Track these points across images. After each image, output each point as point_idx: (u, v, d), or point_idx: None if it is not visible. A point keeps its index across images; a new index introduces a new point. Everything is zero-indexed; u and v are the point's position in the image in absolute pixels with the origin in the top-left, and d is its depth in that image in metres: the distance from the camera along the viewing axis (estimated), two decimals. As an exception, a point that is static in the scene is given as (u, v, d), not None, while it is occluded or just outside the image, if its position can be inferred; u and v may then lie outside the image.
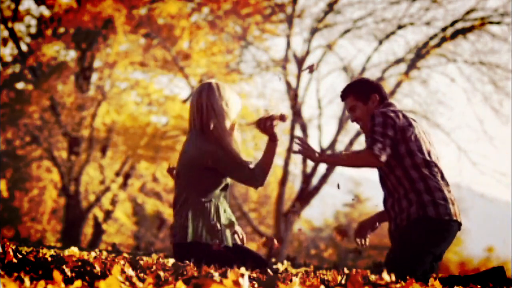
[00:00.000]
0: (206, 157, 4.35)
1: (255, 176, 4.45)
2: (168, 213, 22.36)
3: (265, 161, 4.50)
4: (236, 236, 4.46)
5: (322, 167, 19.27)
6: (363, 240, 4.73)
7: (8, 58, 19.44)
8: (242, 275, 2.43)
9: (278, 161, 20.62)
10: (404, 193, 4.51)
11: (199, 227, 4.35)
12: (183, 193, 4.40)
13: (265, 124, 4.43)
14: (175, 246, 4.33)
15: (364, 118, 4.59)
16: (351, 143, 18.92)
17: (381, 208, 4.67)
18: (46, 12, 18.80)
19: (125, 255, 5.06)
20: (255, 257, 4.45)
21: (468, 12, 18.39)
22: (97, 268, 3.04)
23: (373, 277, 3.73)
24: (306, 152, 4.47)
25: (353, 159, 4.47)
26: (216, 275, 2.89)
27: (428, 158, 4.53)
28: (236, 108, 4.59)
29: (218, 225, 4.38)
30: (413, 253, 4.43)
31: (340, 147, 19.07)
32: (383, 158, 4.39)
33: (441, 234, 4.49)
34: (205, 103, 4.45)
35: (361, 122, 4.62)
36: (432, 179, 4.51)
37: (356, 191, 36.04)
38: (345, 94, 4.70)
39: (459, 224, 4.57)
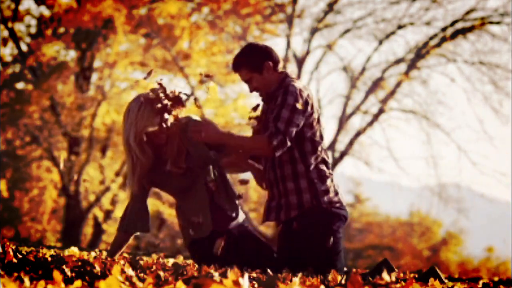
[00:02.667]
0: None
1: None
2: (168, 213, 22.36)
3: None
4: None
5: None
6: None
7: (8, 58, 19.43)
8: (242, 275, 2.43)
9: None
10: (294, 176, 4.37)
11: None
12: None
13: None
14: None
15: (263, 88, 4.43)
16: (351, 143, 18.93)
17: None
18: (46, 12, 18.81)
19: (125, 255, 5.06)
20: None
21: (468, 12, 18.39)
22: (97, 268, 3.04)
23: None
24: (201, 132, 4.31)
25: (249, 144, 4.32)
26: (216, 275, 2.89)
27: (323, 144, 4.44)
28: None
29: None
30: (326, 248, 4.34)
31: (340, 147, 19.08)
32: (278, 153, 4.23)
33: (336, 223, 4.42)
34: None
35: (260, 91, 4.47)
36: (324, 166, 4.40)
37: (356, 191, 36.05)
38: (238, 67, 4.46)
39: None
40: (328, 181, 4.41)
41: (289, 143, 4.23)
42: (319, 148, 4.39)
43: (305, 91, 4.34)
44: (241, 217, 4.58)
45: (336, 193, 4.44)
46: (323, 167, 4.40)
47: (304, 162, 4.36)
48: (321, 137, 4.43)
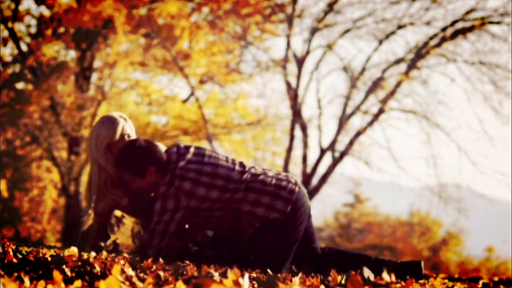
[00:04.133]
0: None
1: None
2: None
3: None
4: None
5: (322, 168, 19.28)
6: None
7: (8, 58, 19.43)
8: (242, 275, 2.43)
9: (278, 161, 20.63)
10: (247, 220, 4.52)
11: None
12: None
13: None
14: None
15: (145, 190, 4.46)
16: (351, 143, 18.93)
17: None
18: (46, 12, 18.81)
19: (125, 255, 5.06)
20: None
21: (468, 12, 18.38)
22: (97, 268, 3.04)
23: (373, 277, 3.73)
24: None
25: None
26: (216, 275, 2.89)
27: (238, 176, 4.47)
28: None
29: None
30: (278, 254, 4.46)
31: (340, 146, 19.08)
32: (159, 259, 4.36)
33: (293, 225, 4.49)
34: None
35: (142, 193, 4.48)
36: (249, 191, 4.46)
37: (356, 191, 36.06)
38: (120, 169, 4.47)
39: (303, 194, 4.55)
40: (259, 201, 4.48)
41: (167, 240, 4.36)
42: (241, 187, 4.47)
43: (173, 197, 4.35)
44: None
45: (272, 208, 4.49)
46: (251, 194, 4.48)
47: (240, 214, 4.48)
48: (232, 179, 4.46)
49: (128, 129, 4.71)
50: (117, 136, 4.65)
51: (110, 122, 4.68)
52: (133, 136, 4.75)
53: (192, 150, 4.51)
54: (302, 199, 4.54)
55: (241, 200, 4.43)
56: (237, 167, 4.50)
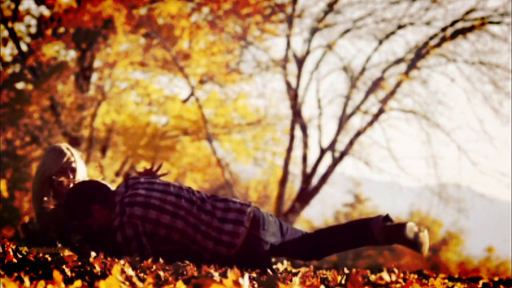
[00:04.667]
0: None
1: None
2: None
3: None
4: None
5: (322, 168, 19.28)
6: None
7: (8, 58, 19.43)
8: (243, 275, 2.43)
9: (278, 161, 20.64)
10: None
11: None
12: None
13: None
14: None
15: (103, 226, 4.49)
16: (351, 143, 18.93)
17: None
18: (46, 12, 18.80)
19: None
20: None
21: (468, 12, 18.39)
22: (97, 268, 3.04)
23: (373, 277, 3.73)
24: None
25: None
26: (216, 275, 2.89)
27: (193, 203, 4.48)
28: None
29: None
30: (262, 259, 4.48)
31: (340, 146, 19.08)
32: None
33: (248, 260, 4.48)
34: None
35: (103, 230, 4.52)
36: (205, 226, 4.45)
37: (356, 191, 36.05)
38: (70, 220, 4.51)
39: (253, 236, 4.50)
40: (206, 247, 4.47)
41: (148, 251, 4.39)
42: (191, 220, 4.45)
43: (128, 225, 4.37)
44: None
45: (215, 255, 4.48)
46: (198, 235, 4.46)
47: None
48: (181, 207, 4.45)
49: (73, 164, 4.81)
50: (58, 169, 4.75)
51: (55, 154, 4.78)
52: (80, 171, 4.83)
53: (142, 180, 4.56)
54: (254, 240, 4.47)
55: (192, 237, 4.41)
56: (185, 194, 4.48)
